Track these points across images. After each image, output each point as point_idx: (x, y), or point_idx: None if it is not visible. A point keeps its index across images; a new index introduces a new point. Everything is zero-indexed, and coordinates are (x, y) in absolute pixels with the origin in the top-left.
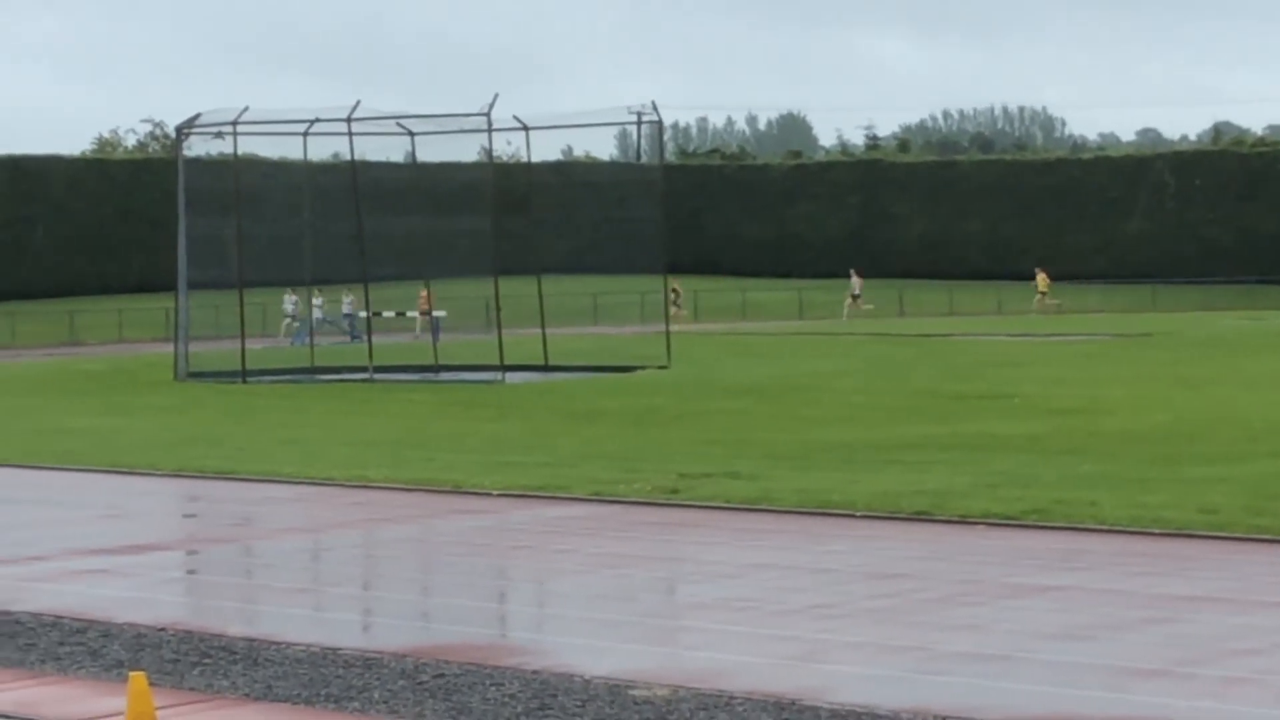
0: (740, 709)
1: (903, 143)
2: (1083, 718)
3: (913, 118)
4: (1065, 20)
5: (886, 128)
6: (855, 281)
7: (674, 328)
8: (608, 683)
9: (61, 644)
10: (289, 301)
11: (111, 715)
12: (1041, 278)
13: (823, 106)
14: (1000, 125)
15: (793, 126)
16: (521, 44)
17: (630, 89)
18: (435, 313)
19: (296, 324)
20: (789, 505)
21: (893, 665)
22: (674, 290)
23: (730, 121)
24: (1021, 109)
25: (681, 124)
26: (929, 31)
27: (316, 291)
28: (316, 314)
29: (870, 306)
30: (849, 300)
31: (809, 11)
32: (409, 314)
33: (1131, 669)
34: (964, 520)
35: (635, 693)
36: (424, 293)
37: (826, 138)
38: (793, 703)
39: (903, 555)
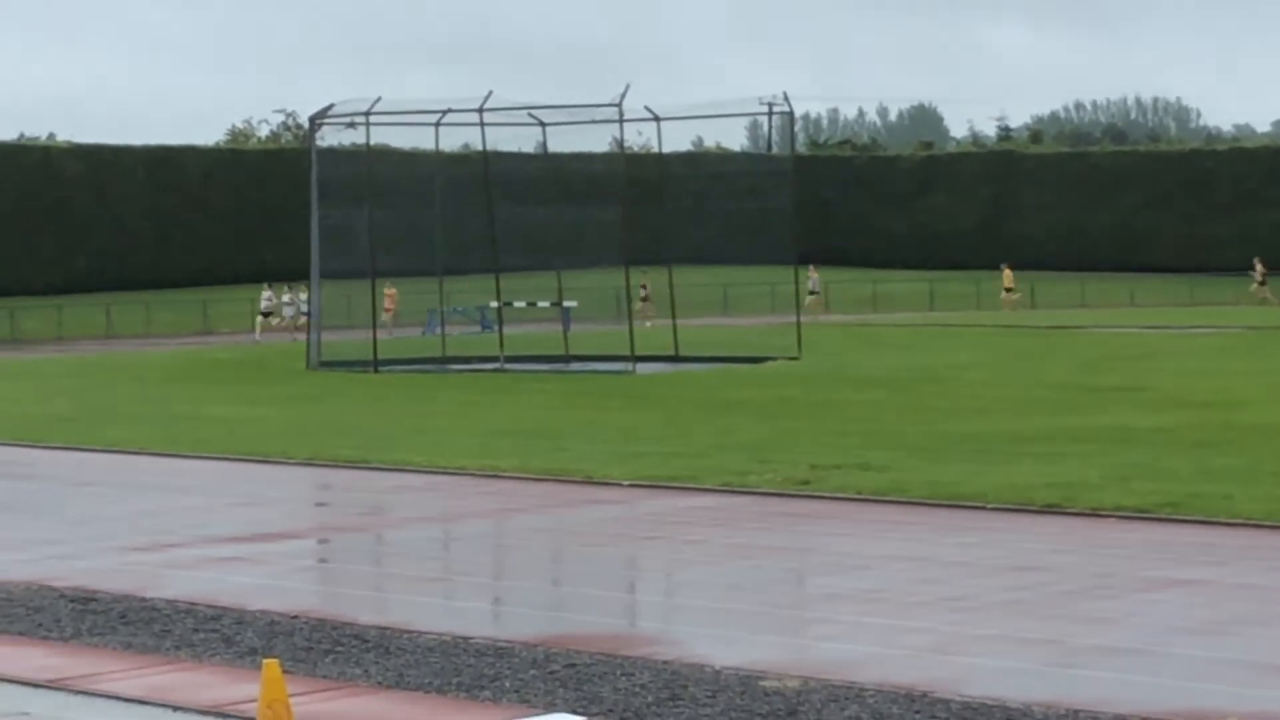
0: (871, 701)
1: (1035, 134)
2: (1217, 714)
3: (1044, 109)
4: (1194, 9)
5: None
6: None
7: (646, 323)
8: (738, 673)
9: (196, 630)
10: (265, 299)
11: (245, 702)
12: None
13: (954, 98)
14: (1133, 116)
15: (924, 118)
16: (650, 35)
17: (761, 80)
18: (566, 302)
19: (275, 320)
20: (920, 497)
21: (1025, 658)
22: (641, 285)
23: (861, 113)
24: (1155, 100)
25: (812, 115)
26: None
27: (286, 288)
28: (288, 310)
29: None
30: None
31: (936, 2)
32: (540, 304)
33: (1267, 664)
34: (1096, 513)
35: (766, 684)
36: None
37: (958, 129)
38: (924, 695)
39: (1034, 548)
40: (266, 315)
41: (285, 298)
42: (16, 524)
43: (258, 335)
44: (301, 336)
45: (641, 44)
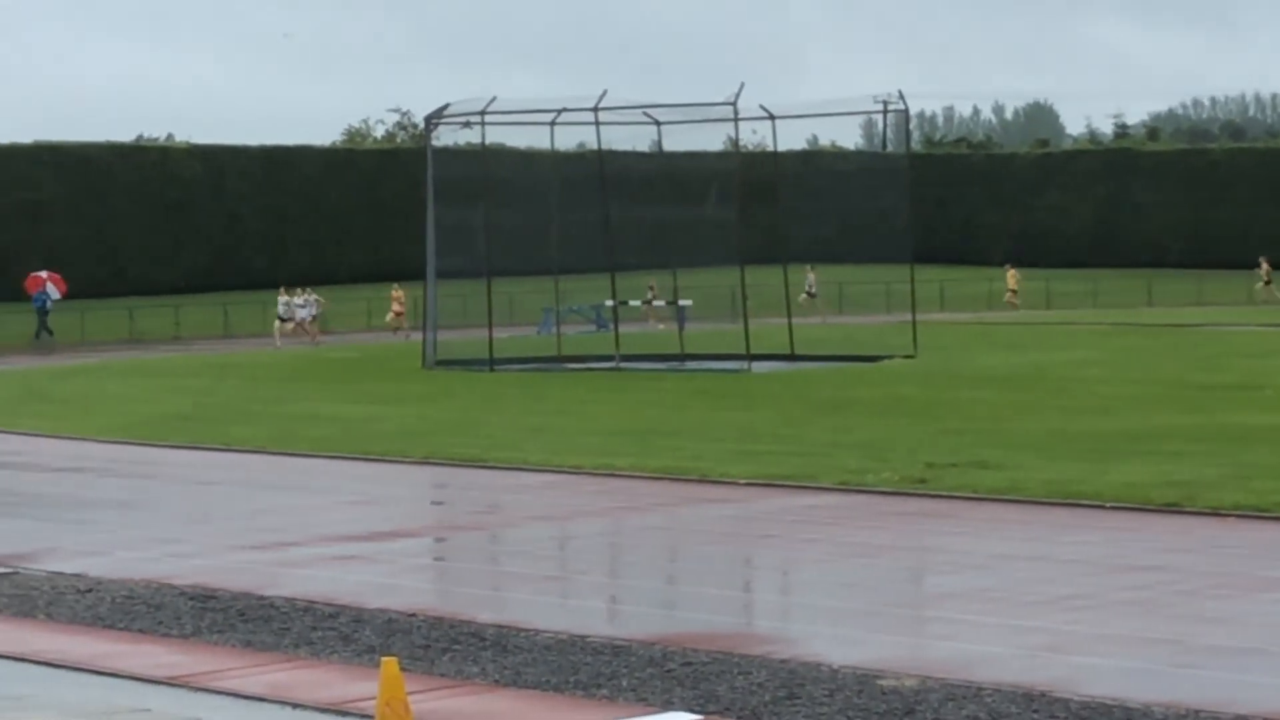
0: (989, 700)
1: (1151, 131)
2: None
3: (1161, 105)
4: None
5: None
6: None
7: (658, 325)
8: (855, 672)
9: (314, 629)
10: (283, 304)
11: (363, 700)
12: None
13: (1070, 95)
14: (1251, 113)
15: (1040, 115)
16: (764, 33)
17: (876, 78)
18: (681, 301)
19: (289, 325)
20: (1037, 496)
21: (1144, 658)
22: (650, 287)
23: (976, 111)
24: (1274, 96)
25: (928, 113)
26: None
27: (300, 290)
28: (302, 313)
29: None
30: None
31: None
32: (655, 303)
33: None
34: (1215, 512)
35: (883, 683)
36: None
37: (1074, 126)
38: (1042, 695)
39: (1153, 547)
40: (285, 320)
41: (299, 300)
42: (137, 522)
43: (278, 342)
44: (321, 339)
45: (755, 42)
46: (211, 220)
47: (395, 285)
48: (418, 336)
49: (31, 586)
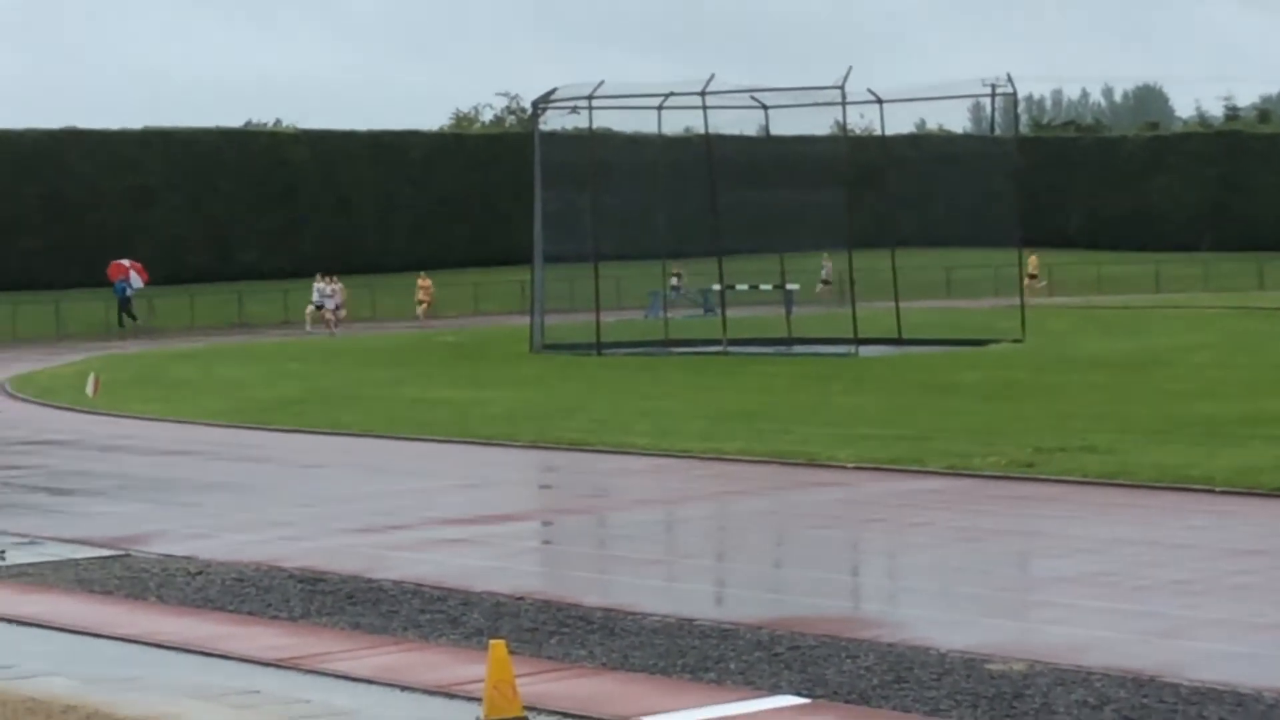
0: (1098, 684)
1: (1263, 113)
2: None
3: (1272, 88)
4: None
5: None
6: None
7: (681, 313)
8: (964, 656)
9: (422, 611)
10: (317, 290)
11: (471, 682)
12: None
13: (1179, 77)
14: None
15: (1149, 98)
16: (871, 16)
17: (983, 61)
18: (789, 285)
19: (332, 313)
20: (1146, 480)
21: (1255, 643)
22: (675, 274)
23: (1085, 94)
24: None
25: (1036, 96)
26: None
27: (329, 279)
28: (329, 302)
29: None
30: None
31: None
32: (762, 287)
33: None
34: None
35: (991, 667)
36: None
37: (1184, 109)
38: (1152, 679)
39: (1265, 531)
40: (319, 308)
41: (327, 288)
42: (247, 505)
43: (309, 327)
44: (338, 331)
45: (861, 26)
46: (319, 205)
47: (422, 274)
48: (440, 325)
49: (143, 569)
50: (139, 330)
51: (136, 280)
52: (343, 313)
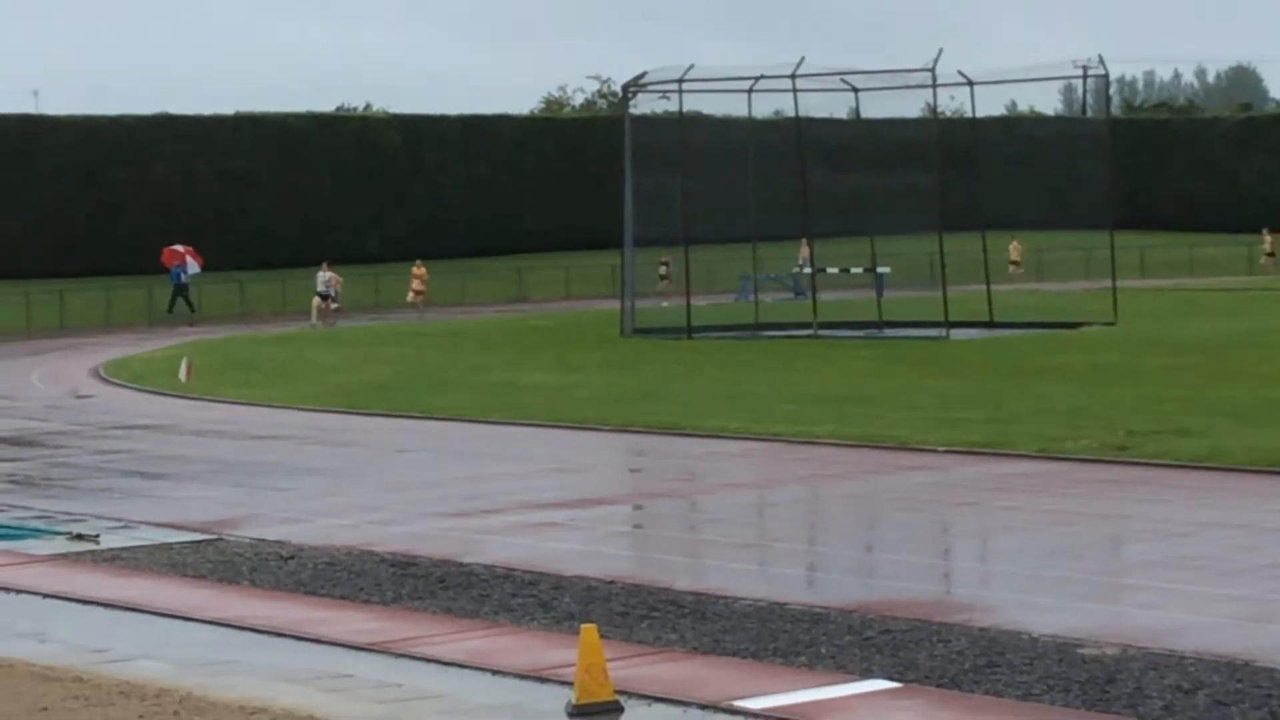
0: (1191, 669)
1: None
2: None
3: None
4: None
5: None
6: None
7: (663, 302)
8: (1055, 640)
9: (514, 595)
10: (321, 280)
11: (563, 666)
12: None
13: (1273, 58)
14: None
15: (1242, 79)
16: None
17: (1072, 43)
18: (879, 269)
19: (335, 305)
20: (1240, 463)
21: None
22: (663, 262)
23: (1177, 75)
24: None
25: (1128, 77)
26: None
27: (325, 266)
28: (322, 289)
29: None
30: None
31: None
32: (853, 270)
33: None
34: None
35: (1084, 651)
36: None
37: (1278, 90)
38: (1245, 664)
39: None
40: (325, 298)
41: (324, 277)
42: (339, 490)
43: (314, 320)
44: (336, 323)
45: (951, 7)
46: (410, 189)
47: (417, 262)
48: (433, 316)
49: (235, 553)
50: (196, 319)
51: (192, 266)
52: (336, 305)
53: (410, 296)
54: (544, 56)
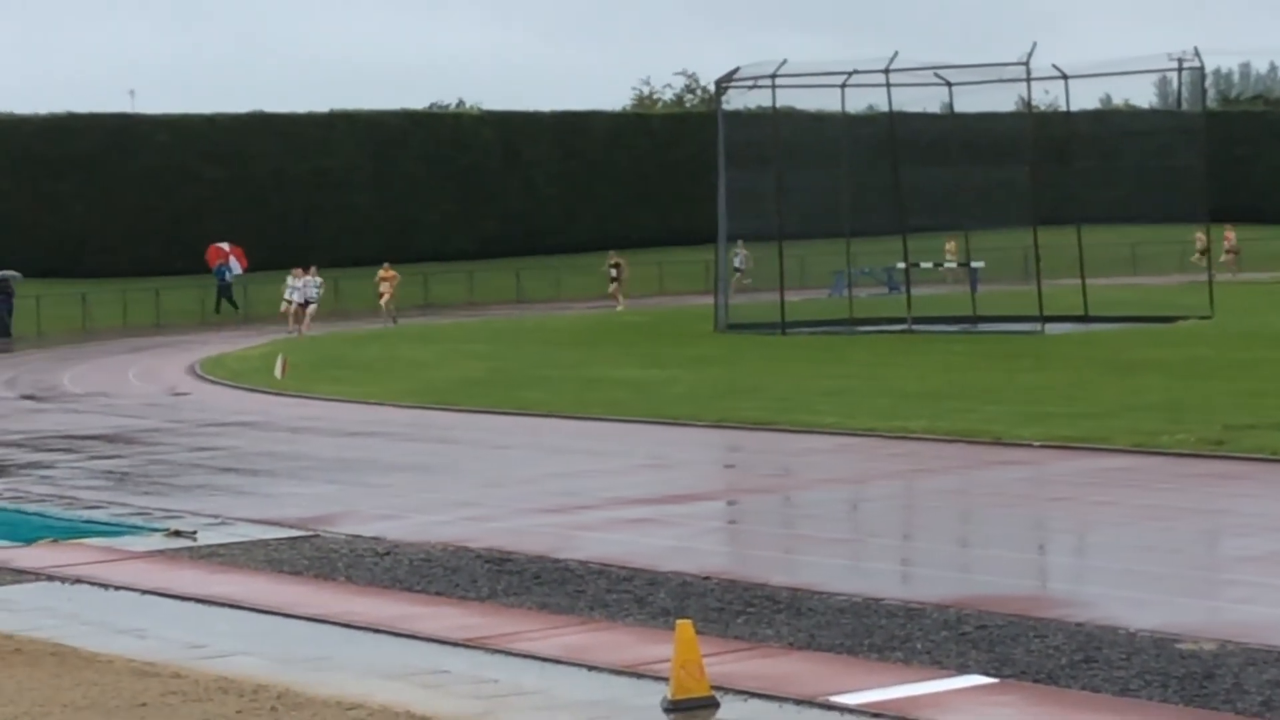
0: None
1: None
2: None
3: None
4: None
5: None
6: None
7: (616, 306)
8: (1153, 636)
9: (609, 591)
10: (291, 288)
11: (659, 662)
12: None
13: None
14: None
15: None
16: None
17: (1166, 35)
18: (974, 263)
19: (313, 307)
20: None
21: None
22: (614, 264)
23: (1273, 67)
24: None
25: (1224, 70)
26: None
27: (299, 271)
28: (312, 292)
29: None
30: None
31: None
32: (945, 265)
33: None
34: None
35: (1181, 646)
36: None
37: None
38: None
39: None
40: (304, 304)
41: (299, 282)
42: (434, 486)
43: (299, 327)
44: (304, 330)
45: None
46: (504, 186)
47: (385, 265)
48: (404, 321)
49: (331, 549)
50: (239, 319)
51: (236, 266)
52: (313, 308)
53: (382, 302)
54: (629, 52)
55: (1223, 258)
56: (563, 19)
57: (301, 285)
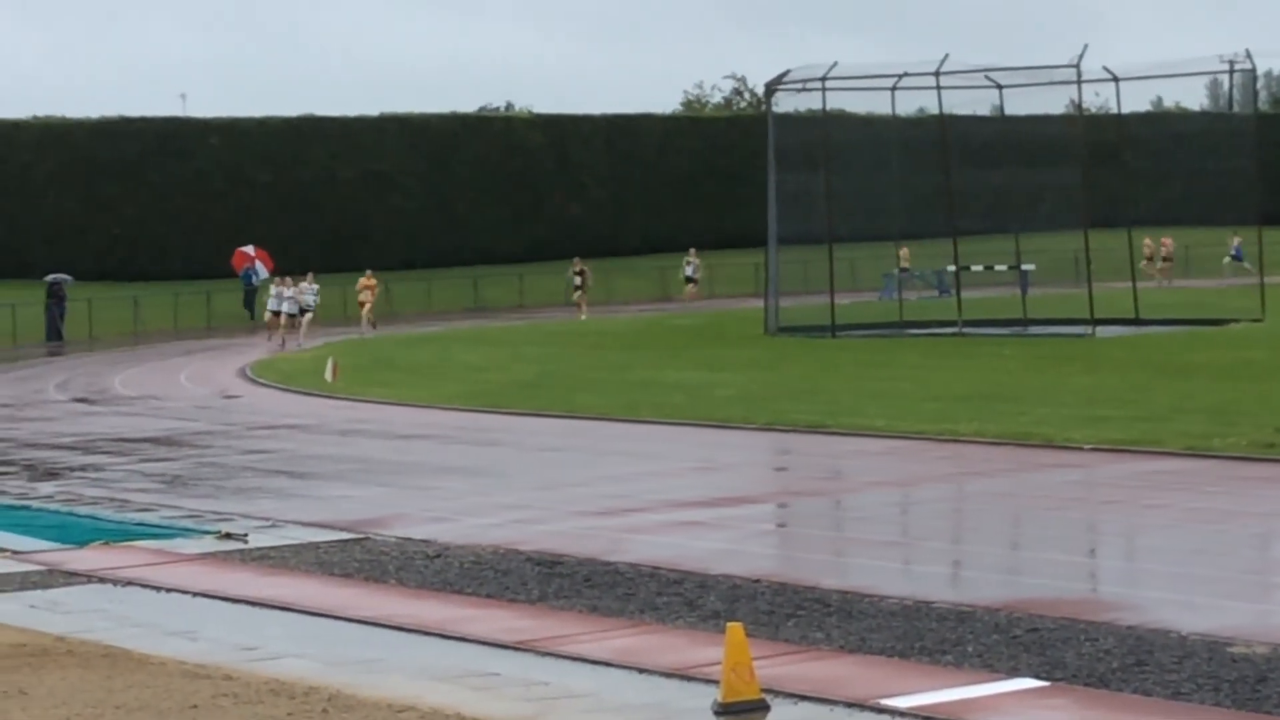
0: None
1: None
2: None
3: None
4: None
5: None
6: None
7: (580, 315)
8: (1205, 639)
9: (659, 594)
10: (278, 297)
11: (709, 665)
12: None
13: None
14: None
15: None
16: None
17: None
18: (1024, 266)
19: (309, 315)
20: None
21: None
22: (577, 272)
23: None
24: None
25: (1275, 72)
26: None
27: (288, 279)
28: (308, 300)
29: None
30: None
31: None
32: (997, 267)
33: None
34: None
35: (1234, 650)
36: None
37: None
38: None
39: None
40: (297, 314)
41: (288, 291)
42: (484, 489)
43: (289, 337)
44: (299, 344)
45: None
46: (554, 189)
47: (367, 272)
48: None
49: (382, 552)
50: (250, 326)
51: (262, 270)
52: (310, 315)
53: (364, 313)
54: (677, 55)
55: (1143, 264)
56: (603, 22)
57: (292, 294)
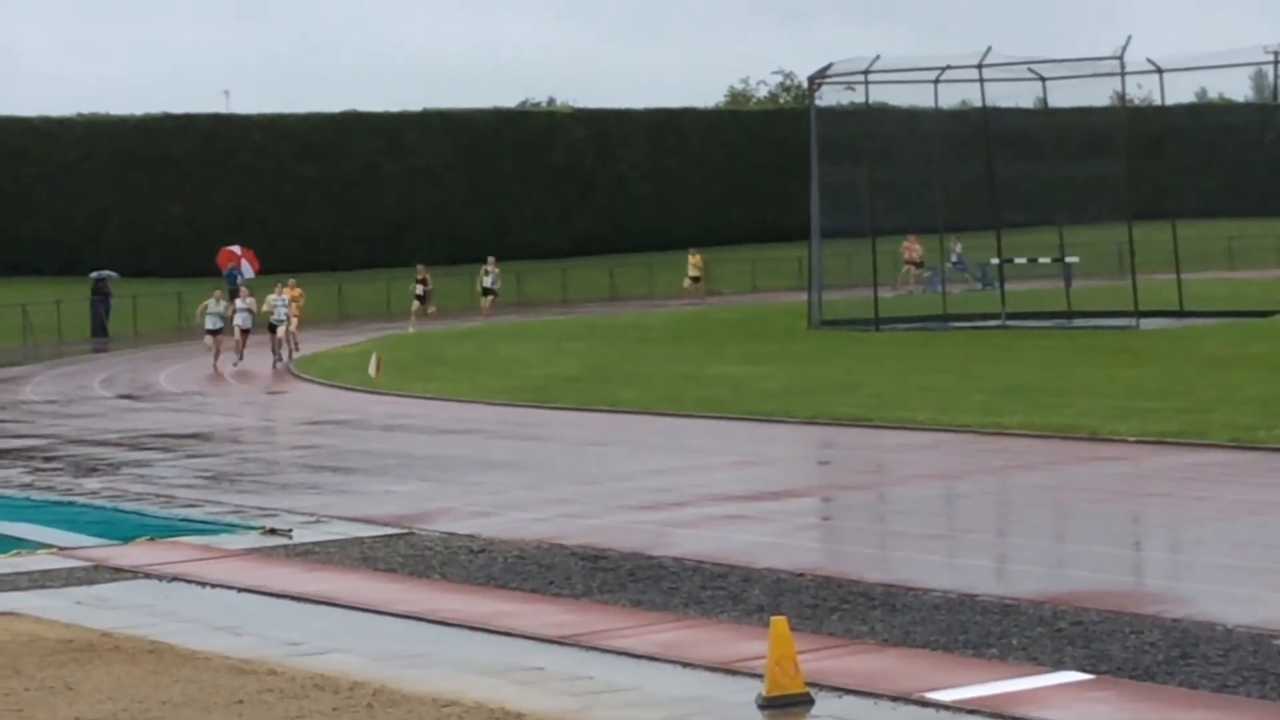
0: None
1: None
2: None
3: None
4: None
5: None
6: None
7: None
8: (1250, 632)
9: (703, 588)
10: (210, 309)
11: (753, 659)
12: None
13: None
14: None
15: None
16: None
17: (1263, 28)
18: (1068, 258)
19: (282, 326)
20: None
21: None
22: (420, 280)
23: None
24: None
25: None
26: None
27: (277, 286)
28: (238, 319)
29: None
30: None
31: None
32: (1041, 260)
33: None
34: None
35: (1279, 643)
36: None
37: None
38: None
39: None
40: (275, 327)
41: (239, 304)
42: (528, 483)
43: (284, 361)
44: (287, 360)
45: None
46: (596, 184)
47: (290, 281)
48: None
49: (426, 547)
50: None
51: (247, 269)
52: (294, 322)
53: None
54: (715, 50)
55: (904, 270)
56: (642, 17)
57: (247, 306)
